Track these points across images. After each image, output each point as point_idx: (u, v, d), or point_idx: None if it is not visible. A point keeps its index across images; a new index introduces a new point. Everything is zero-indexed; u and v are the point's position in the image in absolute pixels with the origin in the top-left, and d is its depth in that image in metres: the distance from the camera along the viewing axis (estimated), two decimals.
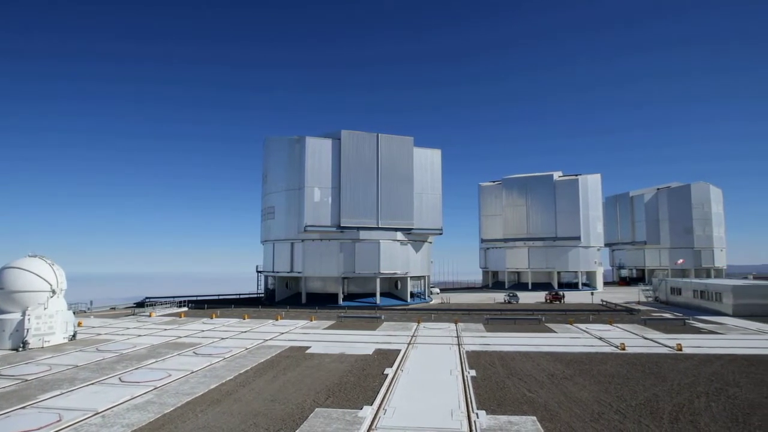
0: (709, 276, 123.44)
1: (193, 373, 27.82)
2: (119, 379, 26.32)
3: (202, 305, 72.22)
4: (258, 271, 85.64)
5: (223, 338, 41.24)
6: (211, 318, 56.59)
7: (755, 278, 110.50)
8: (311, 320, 54.26)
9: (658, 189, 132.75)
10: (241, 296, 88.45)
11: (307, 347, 36.66)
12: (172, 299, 74.68)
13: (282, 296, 78.83)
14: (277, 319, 55.05)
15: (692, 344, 36.86)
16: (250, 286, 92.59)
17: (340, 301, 72.44)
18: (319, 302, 71.59)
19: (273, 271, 78.58)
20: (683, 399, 22.25)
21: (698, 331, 45.16)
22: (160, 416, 19.87)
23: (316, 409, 20.82)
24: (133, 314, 61.44)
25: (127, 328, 47.94)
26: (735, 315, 55.51)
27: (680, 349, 34.41)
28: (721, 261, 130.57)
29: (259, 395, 23.26)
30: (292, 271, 75.14)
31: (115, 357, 32.74)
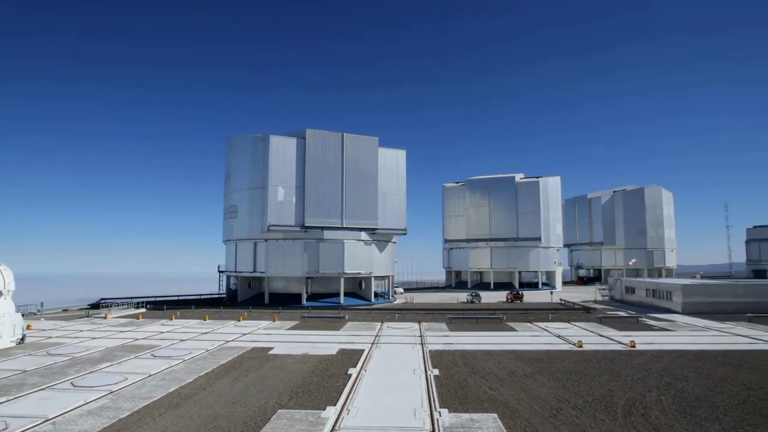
0: (660, 275, 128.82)
1: (151, 376, 27.04)
2: (71, 383, 25.30)
3: (161, 306, 70.25)
4: (220, 271, 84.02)
5: (183, 340, 40.24)
6: (171, 319, 55.12)
7: (702, 278, 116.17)
8: (274, 321, 53.63)
9: (614, 192, 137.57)
10: (203, 297, 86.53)
11: (270, 348, 36.22)
12: (129, 300, 72.36)
13: (244, 296, 77.59)
14: (239, 320, 54.14)
15: (645, 341, 38.39)
16: (211, 286, 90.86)
17: (304, 302, 71.91)
18: (282, 302, 70.81)
19: (235, 271, 77.24)
20: (636, 393, 23.16)
21: (650, 328, 47.06)
22: (116, 421, 19.22)
23: (279, 411, 20.60)
24: (87, 316, 59.17)
25: (81, 331, 46.13)
26: (684, 313, 58.10)
27: (634, 346, 35.78)
28: (671, 261, 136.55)
29: (221, 397, 22.83)
30: (255, 271, 74.07)
31: (67, 361, 31.45)
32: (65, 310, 66.38)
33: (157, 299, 77.52)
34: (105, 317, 57.38)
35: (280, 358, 32.68)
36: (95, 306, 68.06)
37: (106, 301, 71.36)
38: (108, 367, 29.49)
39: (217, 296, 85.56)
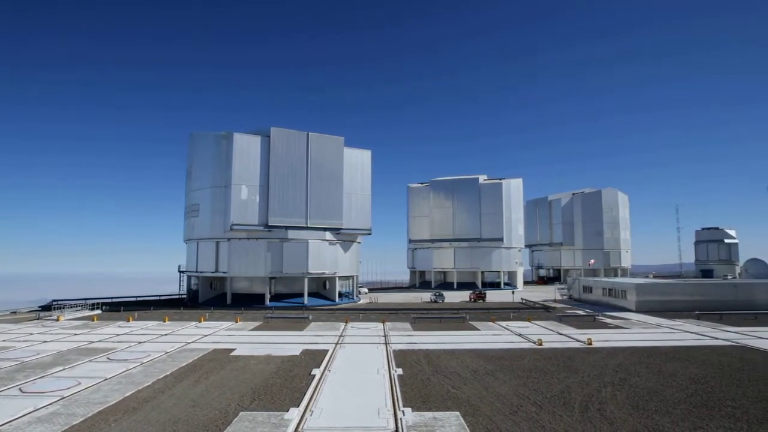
0: (616, 275, 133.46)
1: (106, 380, 26.12)
2: (19, 389, 24.17)
3: (117, 308, 67.86)
4: (180, 271, 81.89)
5: (141, 342, 39.04)
6: (128, 321, 53.37)
7: (655, 277, 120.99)
8: (237, 321, 52.71)
9: (573, 194, 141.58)
10: (162, 298, 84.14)
11: (232, 349, 35.60)
12: (83, 301, 69.52)
13: (206, 297, 75.91)
14: (200, 321, 52.95)
15: (601, 338, 39.71)
16: (172, 287, 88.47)
17: (267, 302, 70.97)
18: (245, 303, 69.67)
19: (197, 271, 75.47)
20: (592, 389, 23.94)
21: (606, 326, 48.71)
22: (68, 428, 18.49)
23: (241, 413, 20.29)
24: (38, 318, 56.56)
25: (31, 334, 44.07)
26: (638, 311, 60.40)
27: (590, 344, 36.97)
28: (626, 261, 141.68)
29: (180, 401, 22.29)
30: (217, 270, 72.59)
31: (15, 366, 30.01)
32: (13, 313, 63.23)
33: (114, 300, 74.90)
34: (57, 319, 55.04)
35: (243, 359, 32.16)
36: (46, 308, 65.03)
37: (59, 302, 68.26)
38: (60, 371, 28.31)
39: (177, 297, 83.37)
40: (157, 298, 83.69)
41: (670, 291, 64.10)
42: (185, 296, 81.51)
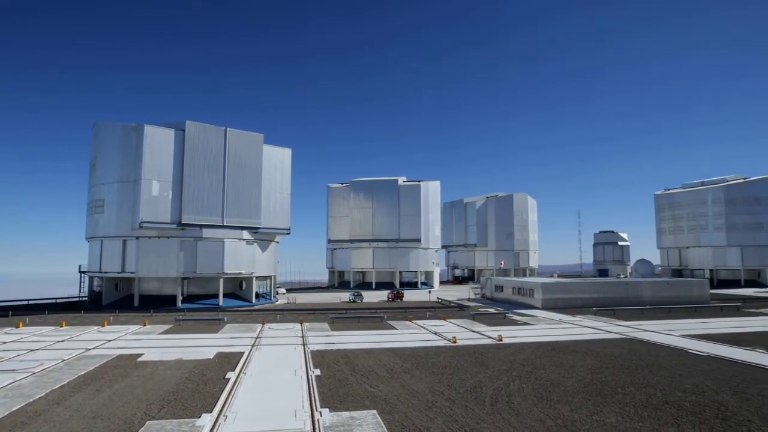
0: (525, 275, 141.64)
1: None
2: None
3: (5, 312, 61.25)
4: (81, 272, 75.58)
5: (32, 350, 35.65)
6: (18, 327, 48.42)
7: (559, 276, 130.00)
8: (145, 325, 49.73)
9: (487, 197, 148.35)
10: (59, 301, 77.26)
11: (140, 354, 33.58)
12: None
13: (110, 299, 70.73)
14: (103, 325, 49.33)
15: (511, 335, 42.05)
16: (71, 289, 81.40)
17: (179, 304, 67.53)
18: (154, 305, 65.79)
19: (100, 272, 70.06)
20: (502, 383, 25.33)
21: (515, 323, 51.61)
22: None
23: (148, 422, 19.23)
24: None
25: None
26: (543, 308, 64.54)
27: (501, 340, 39.04)
28: (534, 262, 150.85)
29: (78, 413, 20.68)
30: (123, 271, 67.88)
31: None
32: None
33: (1, 304, 67.63)
34: None
35: (151, 365, 30.44)
36: None
37: None
38: None
39: (77, 299, 76.93)
40: (54, 301, 76.72)
41: (572, 289, 69.17)
42: (86, 299, 75.44)
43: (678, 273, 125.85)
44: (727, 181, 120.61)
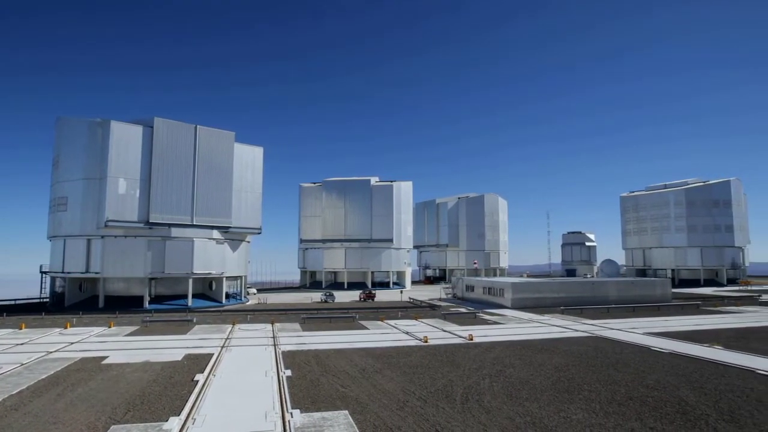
0: (495, 275, 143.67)
1: None
2: None
3: None
4: (43, 272, 72.98)
5: None
6: None
7: (528, 276, 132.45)
8: (110, 326, 48.40)
9: (459, 198, 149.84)
10: (18, 302, 74.44)
11: (104, 357, 32.68)
12: None
13: (73, 300, 68.54)
14: (66, 327, 47.76)
15: (481, 334, 42.59)
16: (31, 289, 78.51)
17: (146, 304, 65.98)
18: (120, 306, 64.10)
19: (63, 272, 67.82)
20: (472, 382, 25.66)
21: (486, 322, 52.30)
22: None
23: (113, 427, 18.75)
24: None
25: None
26: (513, 307, 65.60)
27: (471, 339, 39.52)
28: (504, 262, 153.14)
29: (38, 419, 19.99)
30: (87, 271, 65.86)
31: None
32: None
33: None
34: None
35: (116, 367, 29.67)
36: None
37: None
38: None
39: (38, 301, 74.26)
40: (12, 302, 73.87)
41: (541, 289, 70.53)
42: (48, 300, 72.92)
43: (642, 273, 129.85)
44: (688, 184, 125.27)
